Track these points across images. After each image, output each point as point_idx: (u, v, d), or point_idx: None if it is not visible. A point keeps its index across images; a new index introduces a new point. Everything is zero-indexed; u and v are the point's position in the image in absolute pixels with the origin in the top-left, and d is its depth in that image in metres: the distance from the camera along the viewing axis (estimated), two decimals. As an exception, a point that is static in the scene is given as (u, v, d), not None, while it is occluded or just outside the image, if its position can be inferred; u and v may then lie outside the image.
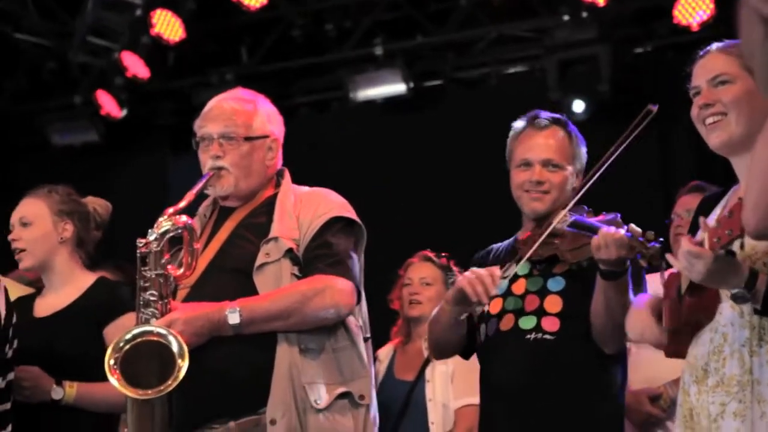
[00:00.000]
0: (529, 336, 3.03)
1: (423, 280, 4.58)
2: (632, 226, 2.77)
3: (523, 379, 3.02)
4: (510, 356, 3.05)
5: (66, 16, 7.22)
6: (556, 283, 3.08)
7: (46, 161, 7.55)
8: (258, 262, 2.92)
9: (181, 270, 2.91)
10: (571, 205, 3.02)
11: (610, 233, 2.77)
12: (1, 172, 7.51)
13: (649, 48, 6.58)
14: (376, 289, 4.70)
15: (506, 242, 3.26)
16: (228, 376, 2.84)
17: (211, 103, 3.16)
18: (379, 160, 6.82)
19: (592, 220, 2.95)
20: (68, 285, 3.45)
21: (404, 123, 6.95)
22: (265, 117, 3.15)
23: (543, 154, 3.12)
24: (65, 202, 3.50)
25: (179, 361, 2.70)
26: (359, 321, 3.02)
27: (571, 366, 3.01)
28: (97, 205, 3.62)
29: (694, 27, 6.08)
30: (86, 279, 3.47)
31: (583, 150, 3.20)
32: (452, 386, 4.35)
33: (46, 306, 3.46)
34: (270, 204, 3.08)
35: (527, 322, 3.05)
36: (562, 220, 2.99)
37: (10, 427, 3.07)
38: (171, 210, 2.88)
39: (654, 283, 2.80)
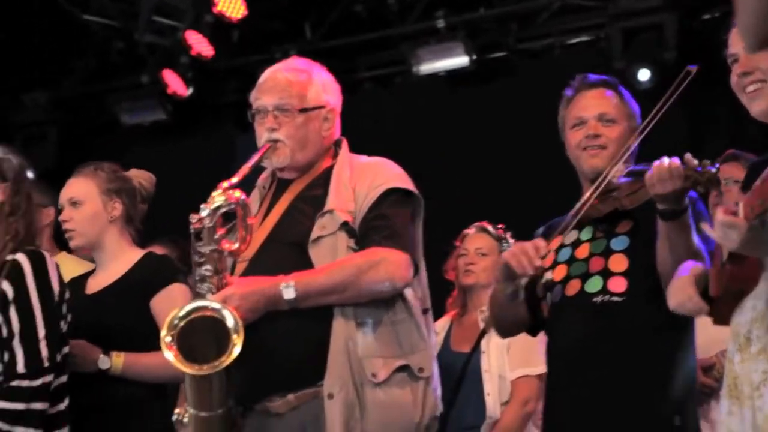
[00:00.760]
0: (595, 299, 2.96)
1: (478, 251, 4.59)
2: (687, 156, 2.69)
3: (587, 344, 2.95)
4: (575, 321, 2.99)
5: (132, -4, 7.32)
6: (620, 242, 3.00)
7: (117, 140, 7.69)
8: (313, 236, 2.90)
9: (237, 245, 2.87)
10: (623, 157, 2.96)
11: (663, 164, 2.68)
12: (75, 151, 7.62)
13: (717, 14, 6.44)
14: (436, 261, 4.73)
15: (568, 215, 3.21)
16: (285, 350, 2.82)
17: (266, 75, 3.12)
18: (443, 134, 6.79)
19: (645, 165, 2.90)
20: (117, 261, 3.47)
21: (468, 96, 6.92)
22: (320, 86, 3.10)
23: (596, 110, 3.07)
24: (112, 180, 3.52)
25: (234, 336, 2.67)
26: (419, 293, 2.98)
27: (639, 330, 2.92)
28: (142, 178, 3.64)
29: (762, -8, 5.94)
30: (134, 254, 3.49)
31: (636, 110, 3.13)
32: (508, 357, 4.34)
33: (96, 283, 3.49)
34: (327, 175, 3.04)
35: (593, 285, 2.98)
36: (615, 172, 2.94)
37: (67, 401, 3.13)
38: (226, 184, 2.83)
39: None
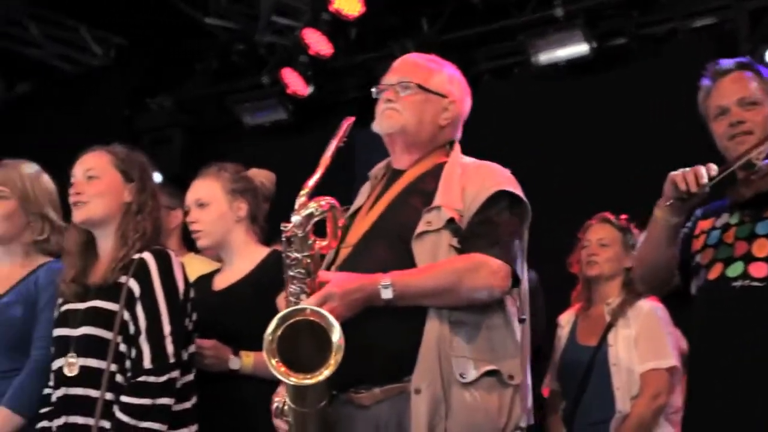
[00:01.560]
0: (735, 284, 2.89)
1: (601, 241, 4.52)
2: None
3: (727, 330, 2.88)
4: (714, 306, 2.93)
5: (252, -2, 7.42)
6: (765, 226, 2.93)
7: (240, 141, 7.80)
8: (418, 230, 2.86)
9: (326, 242, 2.84)
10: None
11: None
12: (198, 153, 7.77)
13: None
14: (558, 253, 4.67)
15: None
16: (376, 345, 2.80)
17: (398, 59, 3.15)
18: (564, 123, 6.71)
19: None
20: (244, 259, 3.53)
21: (589, 84, 6.80)
22: (447, 77, 3.08)
23: (736, 95, 3.01)
24: (236, 180, 3.58)
25: (335, 339, 2.61)
26: (517, 302, 2.93)
27: None
28: (263, 177, 3.68)
29: None
30: (260, 252, 3.54)
31: None
32: (636, 350, 4.25)
33: (223, 280, 3.55)
34: (438, 171, 3.01)
35: (734, 269, 2.91)
36: (759, 153, 2.87)
37: (195, 398, 3.19)
38: (311, 183, 2.77)
39: None
